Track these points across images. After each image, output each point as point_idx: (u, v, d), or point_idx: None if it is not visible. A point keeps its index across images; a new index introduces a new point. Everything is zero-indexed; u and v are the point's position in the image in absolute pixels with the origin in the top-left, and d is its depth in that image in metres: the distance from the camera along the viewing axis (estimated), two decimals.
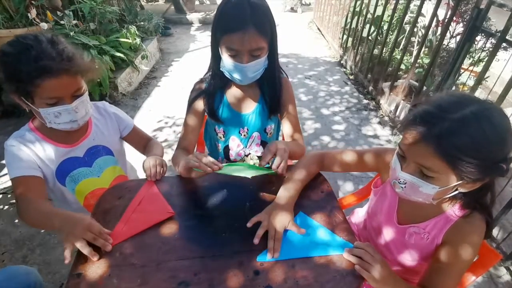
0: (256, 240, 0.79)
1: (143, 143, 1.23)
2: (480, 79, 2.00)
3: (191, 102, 1.17)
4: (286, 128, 1.20)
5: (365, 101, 3.32)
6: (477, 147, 0.61)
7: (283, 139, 1.34)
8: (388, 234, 0.93)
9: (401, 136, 0.73)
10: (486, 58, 2.00)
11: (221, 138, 1.25)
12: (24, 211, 0.89)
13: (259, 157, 1.29)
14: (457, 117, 0.62)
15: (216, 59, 1.06)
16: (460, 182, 0.67)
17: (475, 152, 0.61)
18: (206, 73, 1.17)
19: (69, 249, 0.74)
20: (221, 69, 1.05)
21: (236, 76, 1.02)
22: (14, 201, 1.98)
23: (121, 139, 1.21)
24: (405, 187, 0.72)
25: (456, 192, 0.72)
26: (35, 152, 0.97)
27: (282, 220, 0.81)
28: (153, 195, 0.94)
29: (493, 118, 0.62)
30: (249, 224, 0.82)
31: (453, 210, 0.79)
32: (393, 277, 0.73)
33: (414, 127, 0.67)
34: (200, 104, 1.16)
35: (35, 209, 0.88)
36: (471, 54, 2.65)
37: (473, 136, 0.61)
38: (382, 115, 3.07)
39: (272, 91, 1.14)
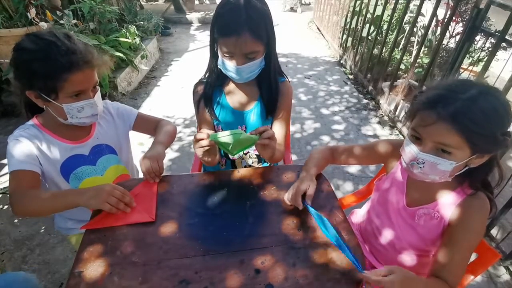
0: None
1: (152, 127, 1.21)
2: (480, 78, 2.00)
3: (197, 110, 1.19)
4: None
5: (365, 101, 3.32)
6: (489, 120, 0.68)
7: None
8: (396, 219, 0.95)
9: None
10: (486, 58, 2.01)
11: None
12: (19, 202, 0.88)
13: (258, 156, 1.30)
14: (467, 96, 0.69)
15: (214, 56, 1.08)
16: (473, 156, 0.73)
17: (487, 124, 0.68)
18: (205, 73, 1.18)
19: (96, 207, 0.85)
20: (218, 66, 1.06)
21: (232, 75, 1.04)
22: None
23: (127, 135, 1.21)
24: (423, 166, 0.76)
25: (466, 168, 0.77)
26: (39, 147, 0.97)
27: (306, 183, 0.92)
28: (148, 195, 0.94)
29: (495, 95, 0.70)
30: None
31: (462, 189, 0.83)
32: (411, 280, 0.71)
33: (429, 109, 0.72)
34: (205, 111, 1.17)
35: (35, 196, 0.88)
36: (470, 54, 2.65)
37: (484, 111, 0.68)
38: (381, 114, 3.07)
39: (269, 92, 1.15)
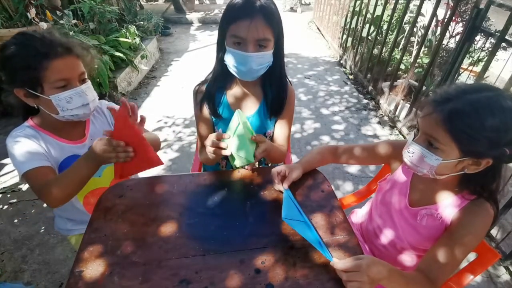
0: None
1: None
2: (479, 79, 2.00)
3: (198, 109, 1.18)
4: (275, 134, 1.21)
5: (365, 101, 3.32)
6: (483, 126, 0.67)
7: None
8: (398, 219, 0.95)
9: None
10: (486, 58, 2.01)
11: None
12: (49, 194, 0.89)
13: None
14: (470, 98, 0.69)
15: (220, 54, 1.05)
16: (464, 159, 0.73)
17: (480, 130, 0.67)
18: (209, 74, 1.16)
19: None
20: (225, 61, 1.03)
21: (240, 67, 1.00)
22: (13, 200, 1.98)
23: None
24: (412, 156, 0.79)
25: (462, 172, 0.77)
26: (41, 146, 0.97)
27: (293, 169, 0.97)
28: (133, 138, 0.90)
29: (504, 102, 0.67)
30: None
31: (463, 195, 0.83)
32: (384, 271, 0.69)
33: (432, 103, 0.75)
34: (206, 111, 1.16)
35: (60, 183, 0.91)
36: (470, 54, 2.66)
37: (481, 116, 0.67)
38: (381, 114, 3.07)
39: (276, 91, 1.13)
